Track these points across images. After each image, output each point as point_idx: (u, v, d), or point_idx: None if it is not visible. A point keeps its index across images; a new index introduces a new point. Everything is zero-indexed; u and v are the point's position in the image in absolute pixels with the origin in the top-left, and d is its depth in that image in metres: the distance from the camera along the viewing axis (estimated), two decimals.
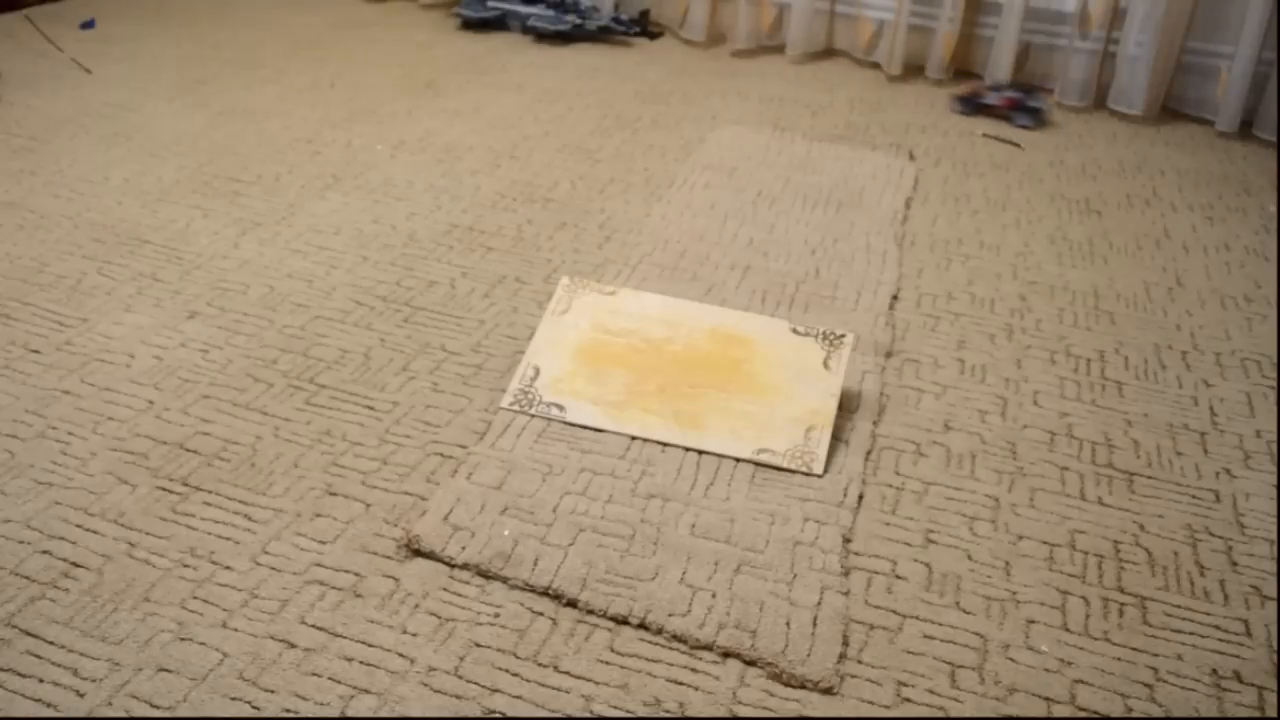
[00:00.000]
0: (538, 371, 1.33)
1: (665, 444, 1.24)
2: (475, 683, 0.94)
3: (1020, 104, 2.35)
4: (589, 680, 0.95)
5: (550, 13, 2.77)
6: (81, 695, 0.90)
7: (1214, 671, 0.99)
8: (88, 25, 2.65)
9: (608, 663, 0.96)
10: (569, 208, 1.85)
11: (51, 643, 0.95)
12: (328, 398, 1.31)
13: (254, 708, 0.90)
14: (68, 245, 1.63)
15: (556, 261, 1.66)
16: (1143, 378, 1.44)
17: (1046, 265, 1.73)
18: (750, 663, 0.97)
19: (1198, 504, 1.21)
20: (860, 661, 0.98)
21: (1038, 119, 2.35)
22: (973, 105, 2.40)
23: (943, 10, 2.51)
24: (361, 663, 0.95)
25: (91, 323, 1.43)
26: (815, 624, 1.01)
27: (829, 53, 2.76)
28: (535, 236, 1.74)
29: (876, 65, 2.68)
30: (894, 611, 1.04)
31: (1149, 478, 1.24)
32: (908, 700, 0.95)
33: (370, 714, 0.90)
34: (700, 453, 1.23)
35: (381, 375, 1.36)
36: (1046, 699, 0.95)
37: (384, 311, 1.50)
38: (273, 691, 0.92)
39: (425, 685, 0.93)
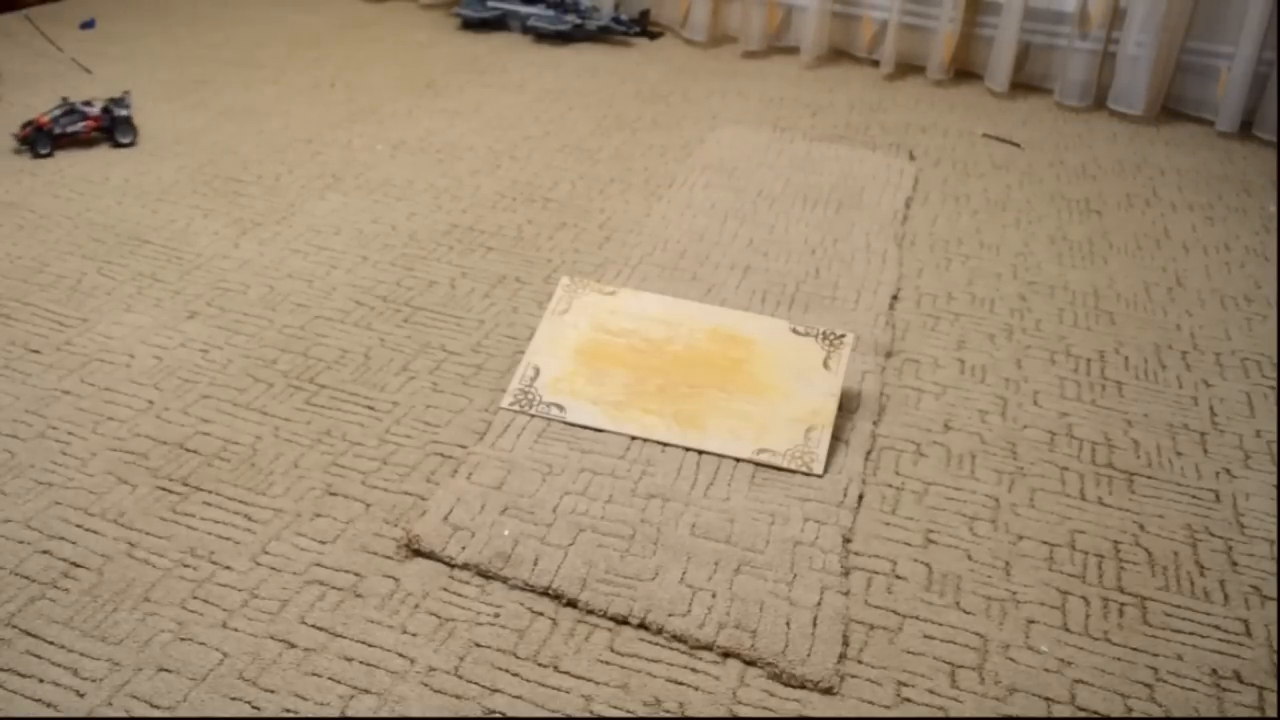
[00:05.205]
0: (538, 371, 1.33)
1: (665, 444, 1.24)
2: (475, 683, 0.94)
3: (111, 118, 1.97)
4: (589, 680, 0.94)
5: (550, 13, 2.77)
6: (81, 695, 0.90)
7: (1214, 671, 0.99)
8: (88, 25, 2.65)
9: (608, 663, 0.96)
10: (569, 208, 1.84)
11: (51, 643, 0.95)
12: (328, 398, 1.31)
13: (254, 708, 0.90)
14: (68, 245, 1.63)
15: (556, 261, 1.66)
16: (1143, 378, 1.44)
17: (1046, 265, 1.73)
18: (750, 663, 0.97)
19: (1198, 504, 1.21)
20: (860, 661, 0.98)
21: (131, 128, 1.98)
22: (46, 139, 1.91)
23: (943, 10, 2.51)
24: (361, 663, 0.95)
25: (91, 323, 1.43)
26: (815, 624, 1.01)
27: (830, 53, 2.76)
28: (535, 236, 1.74)
29: (876, 65, 2.68)
30: (894, 611, 1.04)
31: (1149, 478, 1.24)
32: (908, 700, 0.94)
33: (370, 714, 0.90)
34: (700, 453, 1.23)
35: (381, 375, 1.36)
36: (1046, 699, 0.95)
37: (384, 311, 1.50)
38: (273, 691, 0.92)
39: (425, 685, 0.93)
